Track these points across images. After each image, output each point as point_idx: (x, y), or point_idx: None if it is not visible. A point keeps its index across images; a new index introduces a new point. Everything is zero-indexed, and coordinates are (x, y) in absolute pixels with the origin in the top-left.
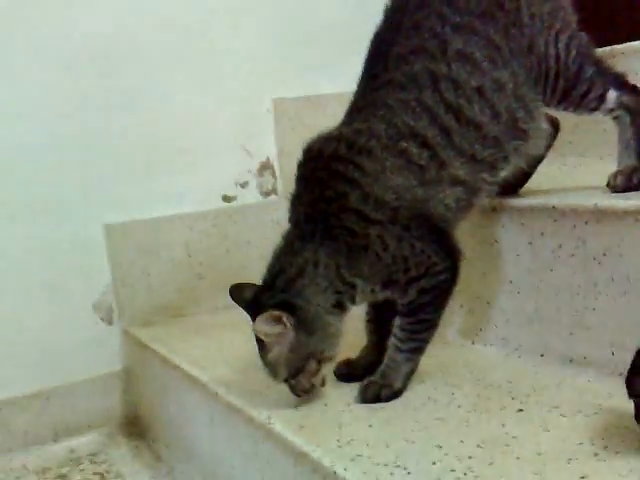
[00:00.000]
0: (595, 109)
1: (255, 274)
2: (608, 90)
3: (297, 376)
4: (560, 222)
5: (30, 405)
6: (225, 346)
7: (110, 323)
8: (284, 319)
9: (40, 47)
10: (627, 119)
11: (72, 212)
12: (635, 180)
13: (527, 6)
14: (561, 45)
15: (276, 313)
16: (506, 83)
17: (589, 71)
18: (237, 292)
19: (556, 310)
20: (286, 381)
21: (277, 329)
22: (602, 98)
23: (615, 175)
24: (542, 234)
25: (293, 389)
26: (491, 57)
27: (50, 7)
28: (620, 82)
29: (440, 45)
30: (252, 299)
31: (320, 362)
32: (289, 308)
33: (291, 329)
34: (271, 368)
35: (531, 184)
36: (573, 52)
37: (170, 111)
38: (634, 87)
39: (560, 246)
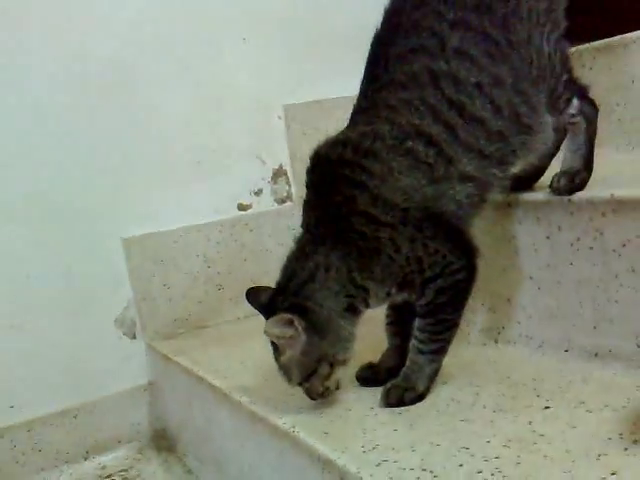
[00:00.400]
0: (561, 112)
1: (274, 282)
2: (573, 97)
3: (310, 379)
4: (577, 215)
5: (59, 423)
6: (247, 355)
7: (133, 338)
8: (295, 322)
9: (57, 69)
10: (583, 126)
11: (90, 228)
12: (577, 181)
13: None
14: (551, 44)
15: (287, 316)
16: (505, 78)
17: (565, 76)
18: (254, 295)
19: (578, 304)
20: (300, 384)
21: (288, 332)
22: (568, 103)
23: (559, 177)
24: (559, 228)
25: (308, 392)
26: (489, 52)
27: (64, 32)
28: (583, 93)
29: (438, 43)
30: (267, 302)
31: (333, 365)
32: (300, 311)
33: (302, 332)
34: (285, 371)
35: (546, 178)
36: (559, 54)
37: (182, 123)
38: (593, 100)
39: (578, 239)
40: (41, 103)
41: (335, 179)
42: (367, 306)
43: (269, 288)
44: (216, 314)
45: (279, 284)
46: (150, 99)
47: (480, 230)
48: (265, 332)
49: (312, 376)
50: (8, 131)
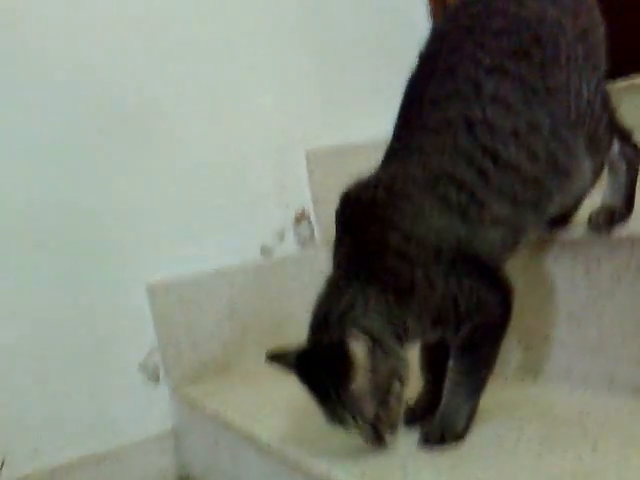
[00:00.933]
0: (601, 155)
1: (298, 324)
2: (614, 140)
3: (388, 402)
4: (616, 251)
5: (83, 471)
6: (275, 397)
7: (157, 382)
8: (363, 340)
9: (75, 112)
10: (624, 168)
11: (114, 273)
12: (617, 217)
13: (566, 43)
14: (591, 88)
15: (357, 333)
16: (542, 124)
17: (605, 119)
18: (277, 357)
19: (621, 338)
20: (375, 418)
21: (362, 352)
22: (609, 146)
23: (597, 213)
24: (598, 263)
25: (385, 424)
26: (525, 98)
27: (88, 67)
28: (625, 135)
29: (474, 89)
30: (301, 354)
31: (401, 382)
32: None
33: (372, 349)
34: (354, 403)
35: (582, 212)
36: (599, 97)
37: (206, 167)
38: (635, 143)
39: (618, 274)
40: (64, 142)
41: (367, 219)
42: (407, 342)
43: (290, 347)
44: (240, 358)
45: (313, 326)
46: (175, 143)
47: (515, 267)
48: (351, 357)
49: (389, 398)
50: (32, 177)
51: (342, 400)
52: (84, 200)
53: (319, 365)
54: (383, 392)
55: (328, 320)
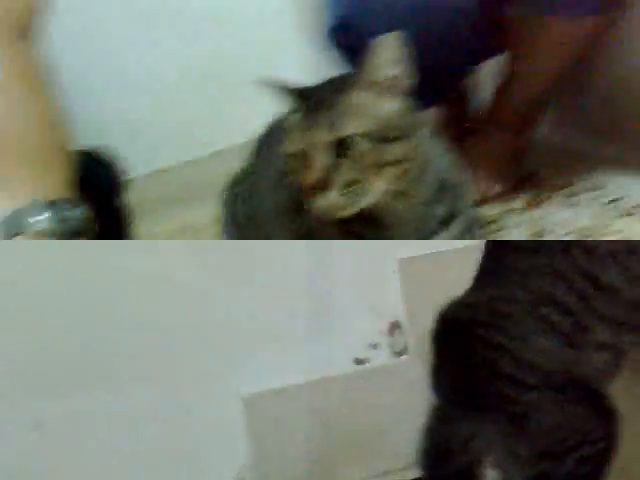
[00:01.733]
0: None
1: (392, 439)
2: None
3: None
4: None
5: None
6: None
7: None
8: (496, 472)
9: None
10: None
11: (208, 385)
12: None
13: None
14: None
15: (492, 460)
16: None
17: None
18: None
19: None
20: None
21: None
22: None
23: None
24: None
25: None
26: None
27: None
28: None
29: None
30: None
31: None
32: None
33: None
34: None
35: None
36: None
37: (299, 278)
38: None
39: None
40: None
41: (470, 342)
42: None
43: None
44: (331, 475)
45: (432, 453)
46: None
47: (616, 389)
48: None
49: None
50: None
51: None
52: (181, 316)
53: None
54: None
55: (449, 449)
